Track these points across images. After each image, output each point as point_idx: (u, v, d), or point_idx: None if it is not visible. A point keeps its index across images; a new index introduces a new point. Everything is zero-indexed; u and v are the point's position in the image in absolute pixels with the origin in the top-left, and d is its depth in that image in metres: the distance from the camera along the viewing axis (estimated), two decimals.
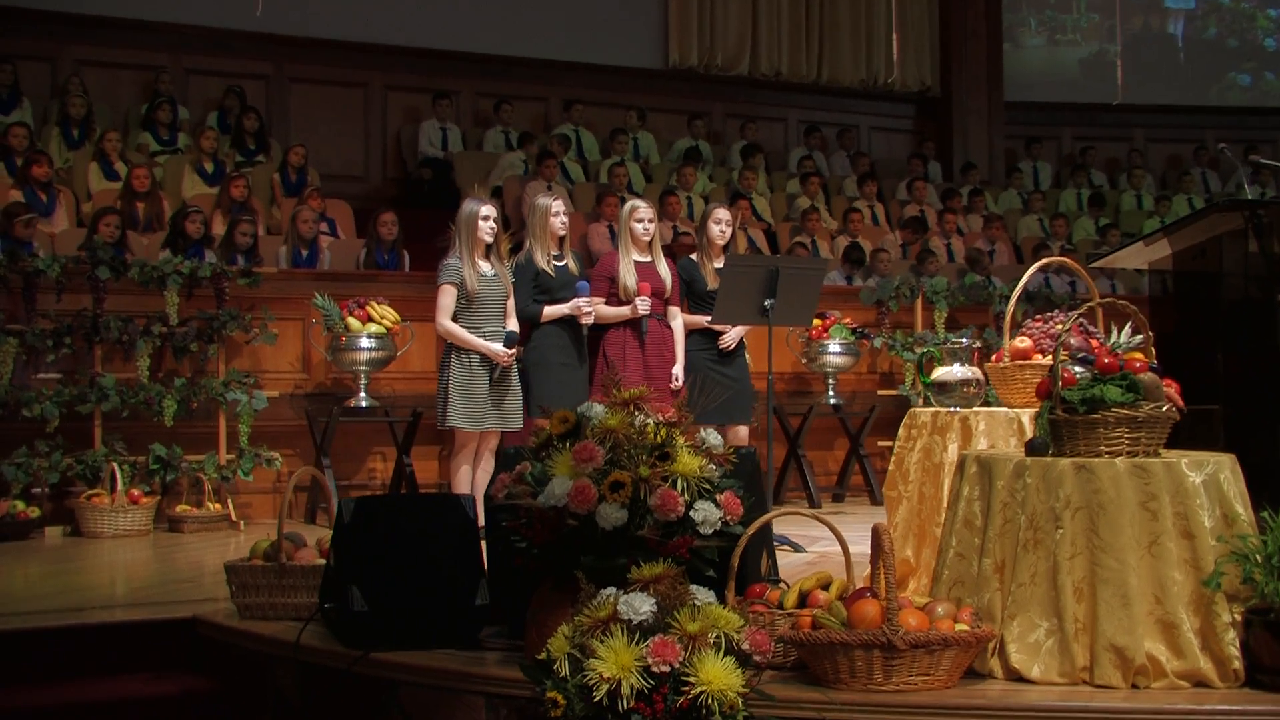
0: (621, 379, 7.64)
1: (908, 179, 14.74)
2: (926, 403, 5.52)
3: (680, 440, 4.21)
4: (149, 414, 8.30)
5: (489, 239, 7.37)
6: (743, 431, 8.21)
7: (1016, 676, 3.88)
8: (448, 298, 7.27)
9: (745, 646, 3.60)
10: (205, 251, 9.40)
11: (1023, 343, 5.07)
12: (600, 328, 8.07)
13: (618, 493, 3.97)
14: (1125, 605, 3.80)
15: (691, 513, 4.02)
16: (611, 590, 3.72)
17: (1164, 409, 4.01)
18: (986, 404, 5.22)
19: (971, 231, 13.87)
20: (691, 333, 8.16)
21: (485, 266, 7.38)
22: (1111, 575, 3.83)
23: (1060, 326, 5.19)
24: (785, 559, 6.67)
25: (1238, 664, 3.80)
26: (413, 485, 8.75)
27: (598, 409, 4.18)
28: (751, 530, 4.11)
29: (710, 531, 4.03)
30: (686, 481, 4.06)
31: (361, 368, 8.64)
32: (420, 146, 13.90)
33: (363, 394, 8.69)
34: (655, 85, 15.61)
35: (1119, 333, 5.04)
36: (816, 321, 9.78)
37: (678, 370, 8.07)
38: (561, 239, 7.89)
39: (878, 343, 10.12)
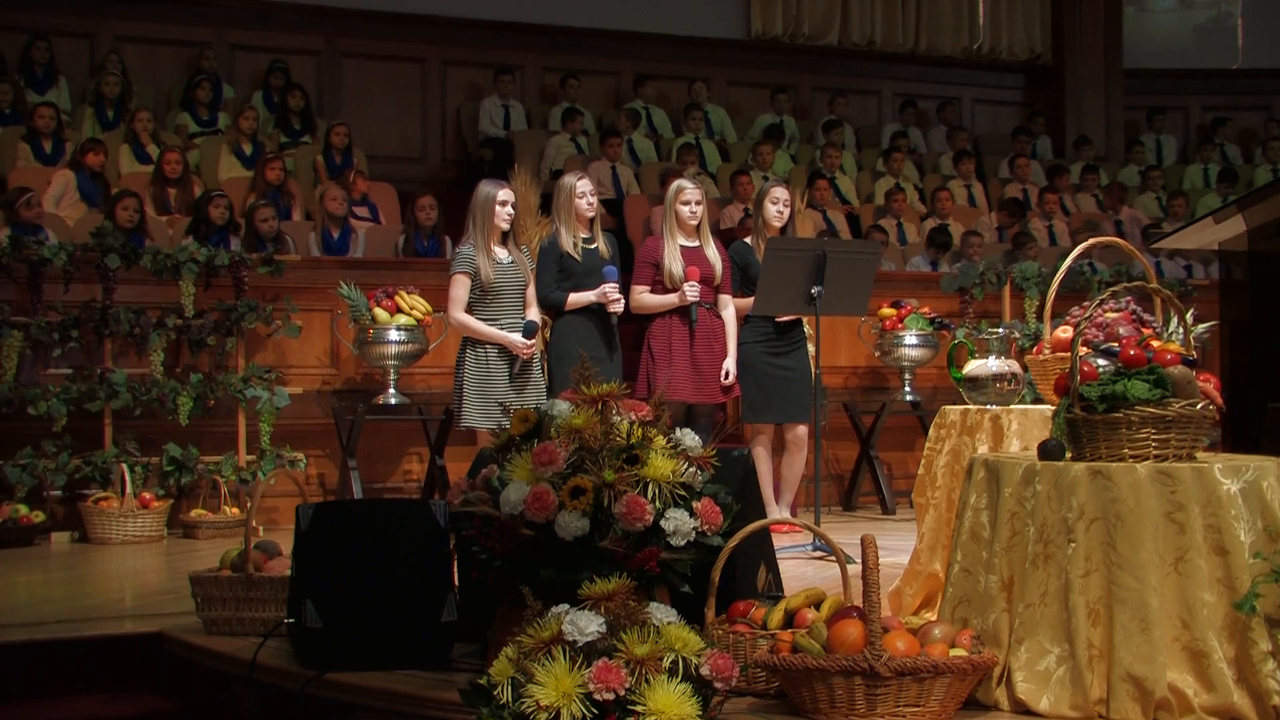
0: (666, 376, 7.65)
1: (1006, 156, 14.40)
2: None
3: (662, 441, 4.07)
4: (163, 412, 8.30)
5: (505, 226, 7.29)
6: (802, 431, 8.04)
7: (1023, 709, 3.68)
8: (460, 288, 7.20)
9: (705, 671, 3.45)
10: (231, 239, 9.40)
11: (1065, 333, 4.84)
12: (645, 318, 7.96)
13: (578, 499, 3.84)
14: (1145, 630, 3.58)
15: (661, 522, 3.87)
16: (564, 607, 3.59)
17: (1198, 407, 3.77)
18: (1028, 401, 5.01)
19: (1079, 212, 13.52)
20: (747, 320, 8.00)
21: (501, 254, 7.29)
22: (1130, 595, 3.60)
23: (1110, 314, 4.96)
24: (822, 574, 6.50)
25: (1278, 699, 3.56)
26: (445, 488, 8.68)
27: (562, 406, 4.05)
28: (734, 542, 3.95)
29: (682, 543, 3.88)
30: (659, 487, 3.91)
31: (390, 362, 8.58)
32: (481, 125, 13.85)
33: (392, 390, 8.63)
34: (736, 57, 15.41)
35: (1179, 321, 4.81)
36: (891, 311, 9.56)
37: (729, 364, 7.92)
38: (591, 220, 7.78)
39: (960, 334, 9.84)
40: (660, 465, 3.92)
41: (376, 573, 4.36)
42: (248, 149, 11.46)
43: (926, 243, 11.45)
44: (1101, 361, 3.97)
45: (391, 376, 8.63)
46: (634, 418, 4.03)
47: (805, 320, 8.12)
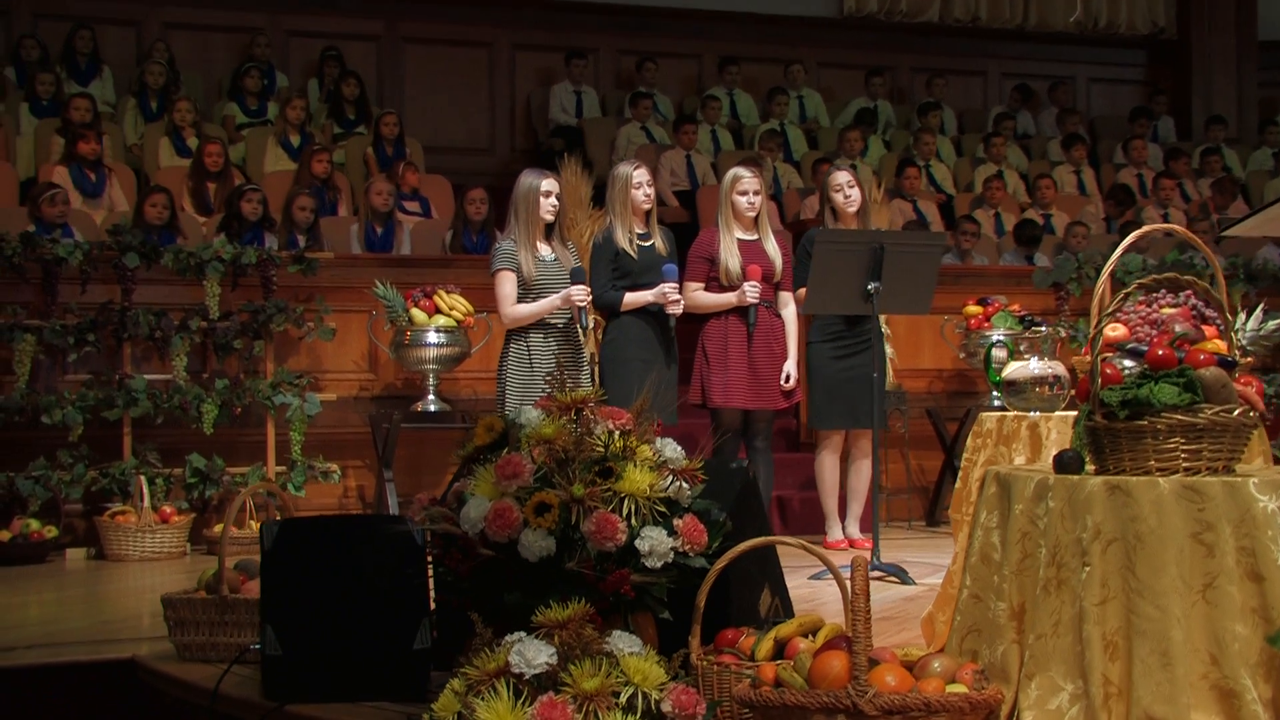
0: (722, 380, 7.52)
1: (1124, 139, 14.05)
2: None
3: (647, 453, 3.94)
4: (187, 420, 8.30)
5: (550, 219, 7.17)
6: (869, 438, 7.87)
7: None
8: (508, 285, 7.07)
9: (666, 708, 3.32)
10: (266, 236, 9.40)
11: (1116, 331, 4.62)
12: (699, 318, 7.84)
13: (543, 516, 3.72)
14: (1167, 665, 3.37)
15: (636, 542, 3.74)
16: (517, 636, 3.47)
17: (1235, 413, 3.56)
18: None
19: (1200, 198, 13.15)
20: (813, 317, 7.84)
21: (544, 249, 7.18)
22: (1151, 626, 3.40)
23: (1167, 309, 4.75)
24: (878, 596, 6.31)
25: None
26: None
27: (532, 414, 3.93)
28: (722, 563, 3.80)
29: (659, 564, 3.75)
30: (636, 503, 3.78)
31: (429, 366, 8.53)
32: (551, 113, 13.81)
33: (431, 396, 8.58)
34: (828, 37, 15.20)
35: (1249, 317, 4.60)
36: (977, 308, 9.33)
37: (790, 367, 7.77)
38: (648, 214, 7.67)
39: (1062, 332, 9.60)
40: (637, 479, 3.79)
41: (344, 595, 4.26)
42: (295, 141, 11.47)
43: (1013, 238, 11.16)
44: (1128, 363, 3.77)
45: (431, 381, 8.58)
46: (612, 426, 3.91)
47: (885, 316, 7.96)
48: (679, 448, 3.93)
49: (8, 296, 8.21)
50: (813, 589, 6.49)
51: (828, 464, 8.03)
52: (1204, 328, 4.67)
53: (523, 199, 7.16)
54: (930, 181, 12.57)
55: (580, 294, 7.02)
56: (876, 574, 6.81)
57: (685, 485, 3.90)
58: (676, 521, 3.81)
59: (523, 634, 3.47)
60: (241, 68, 12.40)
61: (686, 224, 11.42)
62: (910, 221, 11.16)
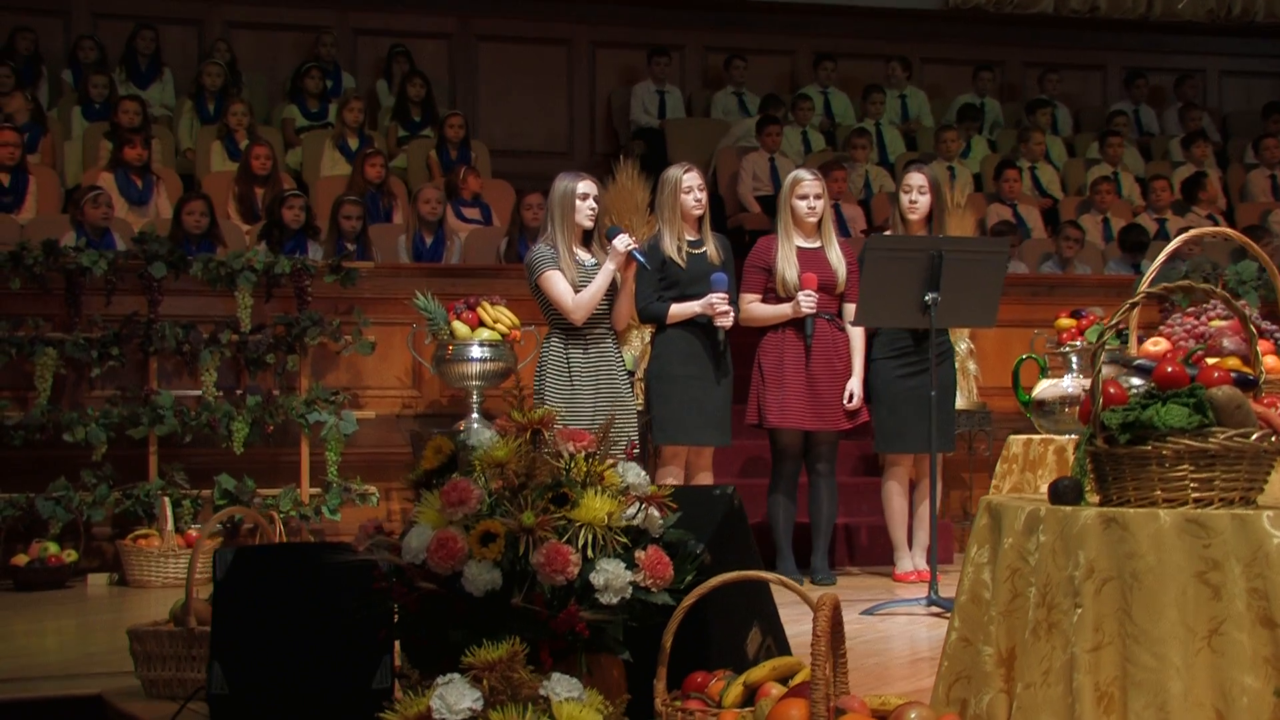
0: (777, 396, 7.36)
1: (1255, 137, 13.65)
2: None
3: (615, 479, 3.79)
4: (216, 439, 8.28)
5: (589, 223, 7.08)
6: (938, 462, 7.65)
7: None
8: (561, 282, 6.93)
9: None
10: (309, 244, 9.38)
11: (1157, 346, 4.42)
12: (756, 332, 7.70)
13: (489, 547, 3.58)
14: None
15: (591, 575, 3.59)
16: (448, 678, 3.34)
17: (1252, 438, 3.34)
18: None
19: None
20: (878, 332, 7.67)
21: (584, 256, 7.08)
22: (1147, 676, 3.20)
23: (1217, 322, 4.53)
24: (932, 634, 6.12)
25: None
26: None
27: (484, 435, 3.80)
28: (690, 600, 3.64)
29: (615, 600, 3.59)
30: (595, 533, 3.64)
31: (472, 382, 8.43)
32: (633, 114, 13.70)
33: (475, 414, 8.49)
34: (932, 30, 14.93)
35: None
36: (1070, 321, 9.02)
37: (854, 385, 7.61)
38: (699, 220, 7.58)
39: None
40: (595, 506, 3.64)
41: (300, 629, 4.17)
42: (354, 144, 11.44)
43: (1119, 244, 10.85)
44: (1135, 381, 3.56)
45: (474, 399, 8.48)
46: (573, 449, 3.76)
47: (953, 330, 7.74)
48: (642, 472, 3.78)
49: (29, 308, 8.24)
50: (863, 624, 6.32)
51: (895, 491, 7.81)
52: (1261, 342, 4.46)
53: (559, 203, 7.08)
54: (1034, 184, 12.29)
55: (624, 239, 6.90)
56: (934, 610, 6.60)
57: (653, 513, 3.75)
58: (639, 554, 3.65)
59: (455, 675, 3.34)
60: (302, 68, 12.43)
61: (768, 231, 11.23)
62: (1003, 222, 10.91)
